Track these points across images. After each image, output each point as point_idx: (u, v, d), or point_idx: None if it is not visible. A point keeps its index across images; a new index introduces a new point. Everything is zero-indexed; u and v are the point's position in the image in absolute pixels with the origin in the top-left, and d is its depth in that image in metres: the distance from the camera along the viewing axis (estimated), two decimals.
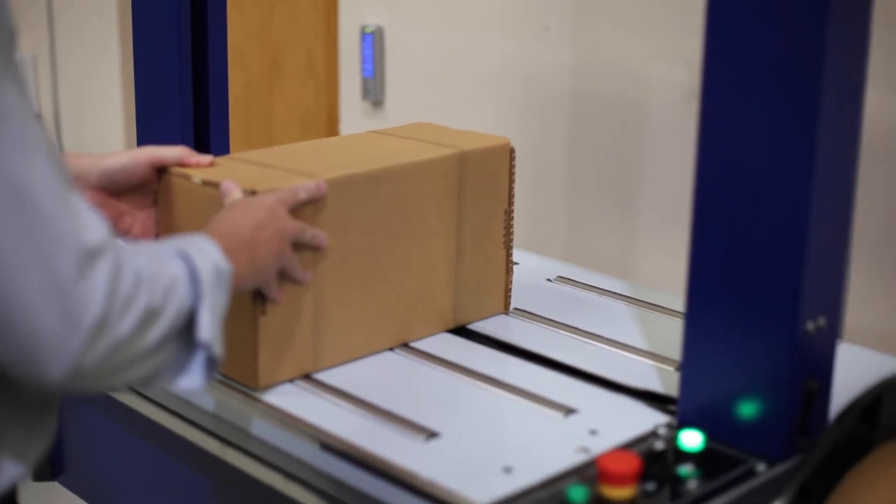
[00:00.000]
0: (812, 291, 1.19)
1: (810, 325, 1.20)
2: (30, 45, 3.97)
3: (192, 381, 1.10)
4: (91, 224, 0.98)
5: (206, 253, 1.12)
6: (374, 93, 2.78)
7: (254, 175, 1.37)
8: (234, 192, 1.32)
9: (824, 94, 1.12)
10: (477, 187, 1.52)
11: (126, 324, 0.98)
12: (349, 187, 1.39)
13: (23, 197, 0.95)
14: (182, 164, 1.41)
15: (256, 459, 1.35)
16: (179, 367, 1.09)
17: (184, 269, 1.07)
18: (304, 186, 1.34)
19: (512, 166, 1.56)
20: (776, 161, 1.16)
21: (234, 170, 1.41)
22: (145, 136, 1.96)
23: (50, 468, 1.78)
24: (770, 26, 1.14)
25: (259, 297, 1.32)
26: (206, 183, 1.36)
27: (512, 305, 1.63)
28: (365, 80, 2.79)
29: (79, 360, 0.95)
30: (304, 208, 1.34)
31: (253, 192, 1.31)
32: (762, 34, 1.15)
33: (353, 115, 2.88)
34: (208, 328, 1.08)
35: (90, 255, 0.96)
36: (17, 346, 0.95)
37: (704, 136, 1.22)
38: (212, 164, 1.42)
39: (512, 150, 1.56)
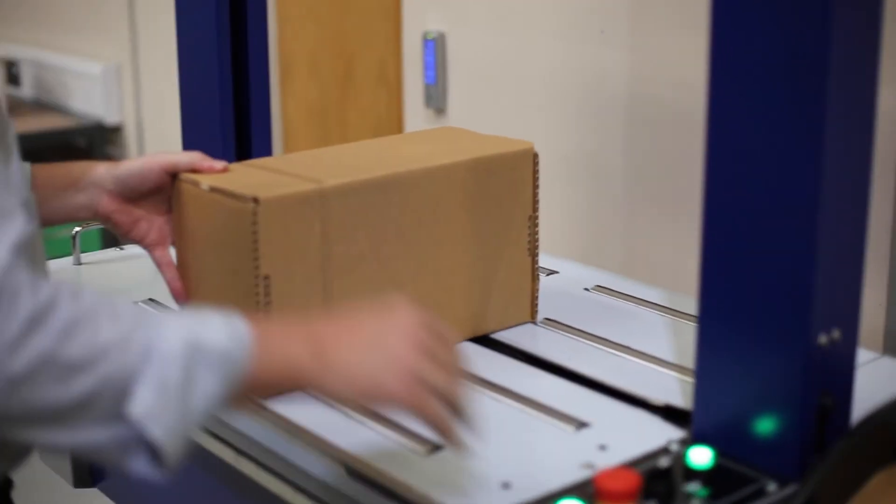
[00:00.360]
0: (823, 303, 1.13)
1: (823, 338, 1.14)
2: (113, 55, 4.04)
3: (136, 468, 0.98)
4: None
5: (188, 327, 0.99)
6: (436, 100, 2.75)
7: (260, 181, 1.36)
8: None
9: (830, 92, 1.07)
10: (498, 193, 1.49)
11: (19, 361, 0.90)
12: (355, 194, 1.36)
13: None
14: (195, 170, 1.41)
15: (266, 469, 1.33)
16: (125, 447, 0.97)
17: (140, 337, 0.96)
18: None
19: (536, 171, 1.52)
20: (783, 164, 1.11)
21: (245, 175, 1.40)
22: (190, 145, 1.97)
23: (91, 475, 1.79)
24: (776, 23, 1.09)
25: (262, 302, 1.31)
26: (213, 189, 1.35)
27: (543, 315, 1.60)
28: (427, 87, 2.77)
29: None
30: (308, 216, 1.32)
31: (255, 200, 1.29)
32: (768, 31, 1.10)
33: (417, 123, 2.87)
34: (144, 404, 0.95)
35: None
36: None
37: (712, 142, 1.17)
38: (225, 170, 1.41)
39: (535, 155, 1.52)
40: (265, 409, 1.34)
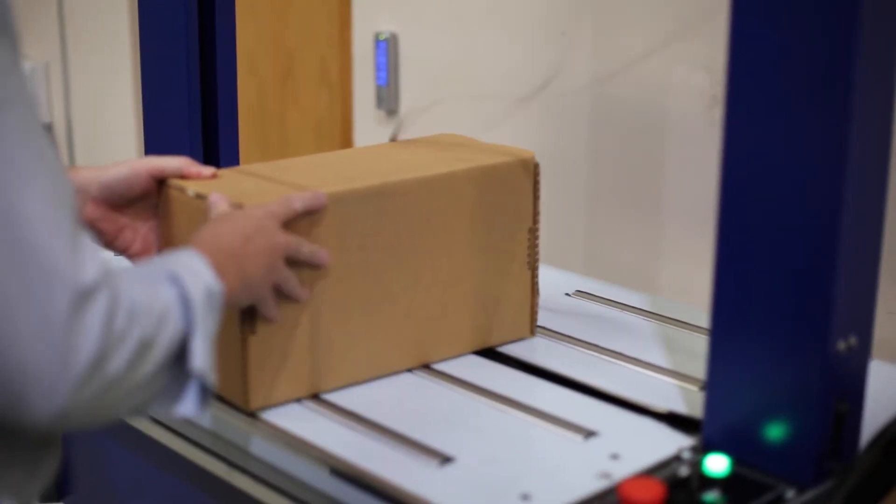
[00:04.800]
0: (843, 309, 1.13)
1: (842, 345, 1.14)
2: (41, 54, 3.94)
3: (186, 409, 1.04)
4: (88, 258, 0.92)
5: (197, 273, 1.06)
6: (388, 101, 2.72)
7: (251, 188, 1.33)
8: (221, 205, 1.27)
9: (854, 100, 1.07)
10: (497, 204, 1.45)
11: (119, 361, 0.93)
12: (348, 203, 1.33)
13: (16, 229, 0.89)
14: (182, 176, 1.37)
15: (263, 483, 1.30)
16: (172, 395, 1.03)
17: (175, 295, 1.01)
18: (300, 196, 1.28)
19: (536, 182, 1.49)
20: (805, 171, 1.11)
21: (234, 182, 1.36)
22: (153, 146, 1.92)
23: (56, 489, 1.75)
24: (796, 30, 1.09)
25: (248, 315, 1.27)
26: (199, 196, 1.31)
27: None
28: (379, 89, 2.74)
29: (66, 403, 0.90)
30: (300, 222, 1.29)
31: (240, 206, 1.26)
32: (788, 38, 1.09)
33: (367, 124, 2.84)
34: (202, 356, 1.02)
35: (85, 295, 0.90)
36: (5, 387, 0.90)
37: (729, 145, 1.16)
38: (213, 177, 1.38)
39: (536, 165, 1.48)
40: (266, 422, 1.30)
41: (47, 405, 0.90)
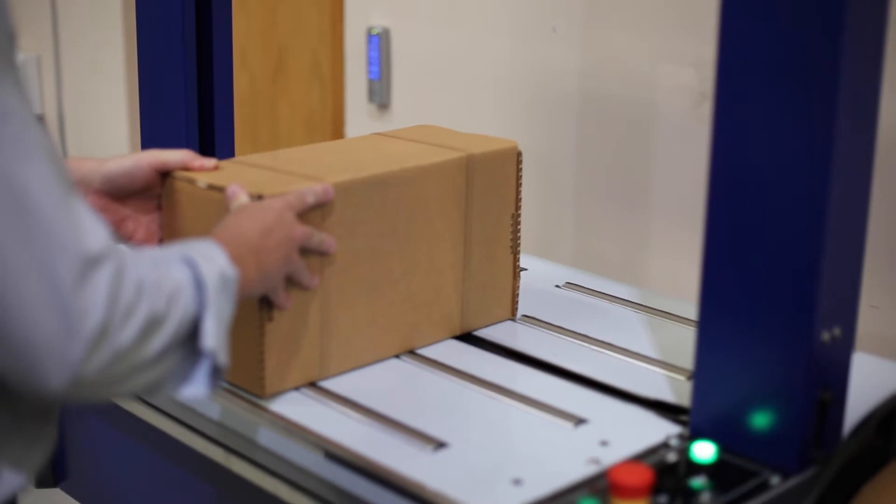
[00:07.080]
0: (828, 301, 1.16)
1: (826, 335, 1.18)
2: (33, 46, 3.96)
3: (196, 390, 1.07)
4: (92, 230, 0.96)
5: (211, 259, 1.09)
6: (380, 95, 2.75)
7: (260, 179, 1.35)
8: (241, 197, 1.30)
9: (841, 96, 1.10)
10: (484, 191, 1.51)
11: (127, 332, 0.96)
12: (356, 191, 1.37)
13: (22, 202, 0.93)
14: (186, 168, 1.39)
15: (261, 468, 1.33)
16: (183, 375, 1.07)
17: (188, 276, 1.04)
18: (312, 190, 1.32)
19: (519, 169, 1.54)
20: (792, 166, 1.14)
21: (239, 173, 1.38)
22: (149, 138, 1.94)
23: (53, 474, 1.76)
24: (785, 27, 1.12)
25: (266, 304, 1.30)
26: (211, 187, 1.34)
27: (520, 312, 1.61)
28: (371, 82, 2.77)
29: (78, 369, 0.93)
30: (310, 213, 1.32)
31: (260, 197, 1.29)
32: (777, 35, 1.13)
33: (359, 118, 2.86)
34: (213, 336, 1.05)
35: (91, 263, 0.94)
36: (16, 354, 0.93)
37: (718, 140, 1.19)
38: (216, 168, 1.40)
39: (519, 154, 1.54)
40: (266, 409, 1.33)
41: (57, 372, 0.93)
